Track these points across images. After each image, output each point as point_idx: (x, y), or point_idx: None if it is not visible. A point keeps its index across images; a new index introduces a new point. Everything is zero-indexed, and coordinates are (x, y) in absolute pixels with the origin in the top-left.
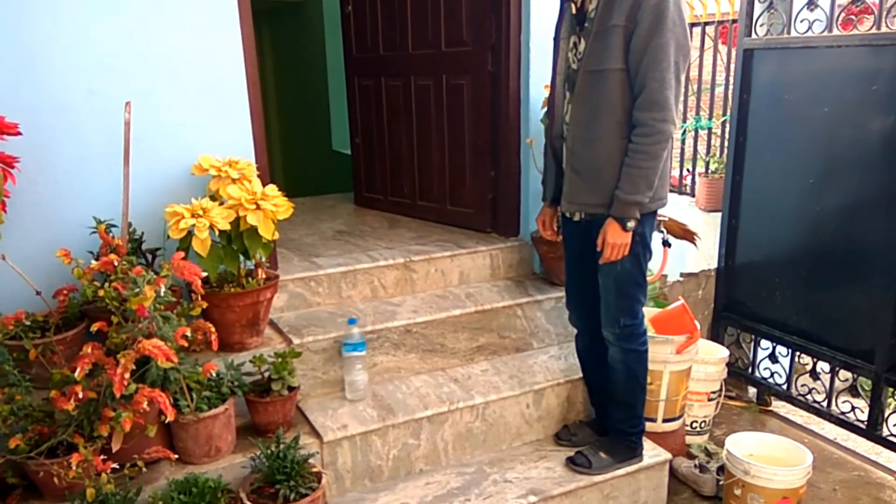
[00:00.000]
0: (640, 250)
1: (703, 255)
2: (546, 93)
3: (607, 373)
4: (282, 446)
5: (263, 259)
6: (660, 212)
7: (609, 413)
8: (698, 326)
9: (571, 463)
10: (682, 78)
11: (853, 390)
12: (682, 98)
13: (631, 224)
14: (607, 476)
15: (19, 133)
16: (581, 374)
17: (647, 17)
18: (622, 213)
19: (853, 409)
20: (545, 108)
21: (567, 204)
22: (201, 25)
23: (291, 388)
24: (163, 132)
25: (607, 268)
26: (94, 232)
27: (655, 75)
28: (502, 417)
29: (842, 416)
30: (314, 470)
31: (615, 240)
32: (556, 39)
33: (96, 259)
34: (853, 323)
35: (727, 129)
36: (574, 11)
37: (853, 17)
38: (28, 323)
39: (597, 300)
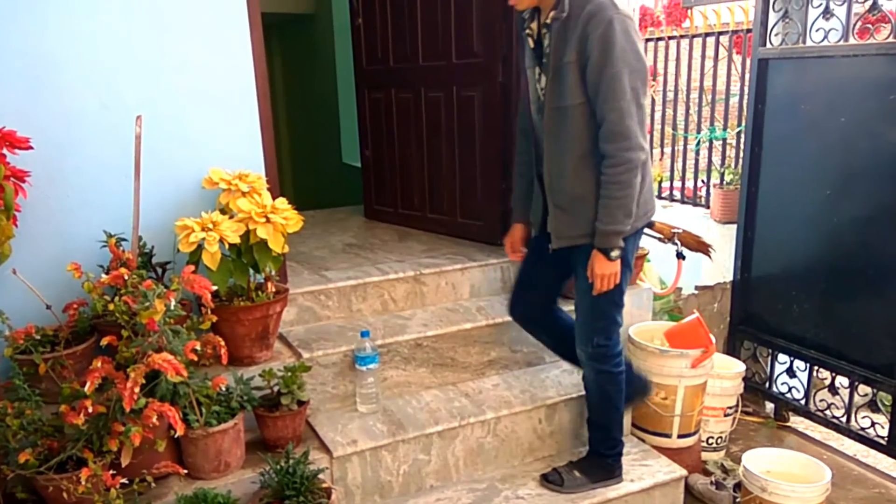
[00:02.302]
0: (622, 269)
1: (718, 267)
2: None
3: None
4: (291, 461)
5: (273, 272)
6: (674, 223)
7: (589, 435)
8: (714, 340)
9: (545, 480)
10: (644, 101)
11: (873, 405)
12: (646, 121)
13: (615, 253)
14: (596, 496)
15: (31, 147)
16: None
17: (595, 49)
18: (604, 244)
19: (873, 424)
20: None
21: (557, 240)
22: (212, 39)
23: (301, 403)
24: (173, 146)
25: (585, 284)
26: (104, 245)
27: (613, 106)
28: (514, 433)
29: (861, 432)
30: (324, 485)
31: (603, 271)
32: (523, 69)
33: (107, 273)
34: (872, 336)
35: (742, 140)
36: (532, 45)
37: (870, 25)
38: (38, 337)
39: (546, 300)
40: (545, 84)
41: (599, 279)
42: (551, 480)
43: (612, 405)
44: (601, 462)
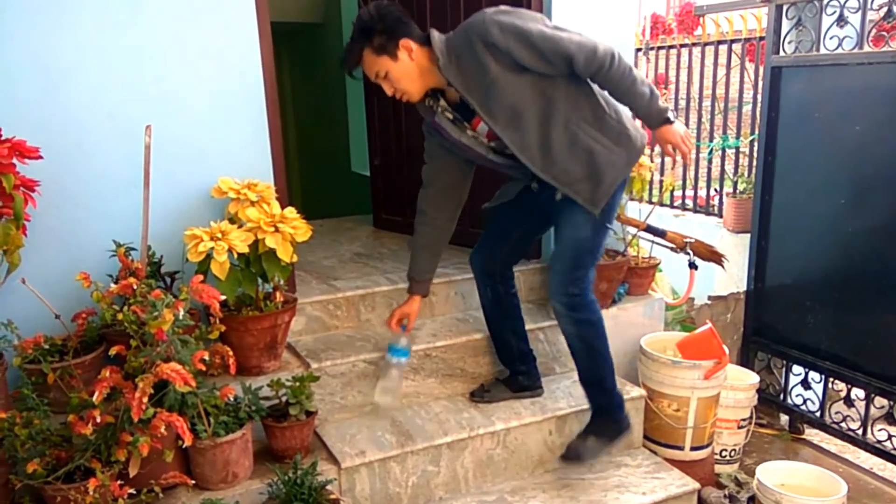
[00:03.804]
0: (606, 218)
1: (731, 277)
2: None
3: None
4: (299, 472)
5: (282, 282)
6: (686, 233)
7: (586, 393)
8: (727, 351)
9: (564, 459)
10: (551, 23)
11: (889, 418)
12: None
13: (671, 115)
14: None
15: (41, 157)
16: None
17: (508, 42)
18: (656, 119)
19: (890, 437)
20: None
21: (592, 206)
22: (221, 48)
23: (309, 413)
24: (182, 155)
25: (568, 232)
26: (113, 255)
27: (563, 46)
28: (524, 444)
29: (878, 445)
30: (332, 497)
31: (674, 136)
32: (461, 150)
33: (115, 282)
34: (889, 347)
35: (755, 149)
36: (451, 117)
37: (884, 33)
38: (47, 346)
39: (509, 255)
40: (487, 121)
41: (681, 143)
42: (571, 457)
43: (600, 355)
44: (607, 419)
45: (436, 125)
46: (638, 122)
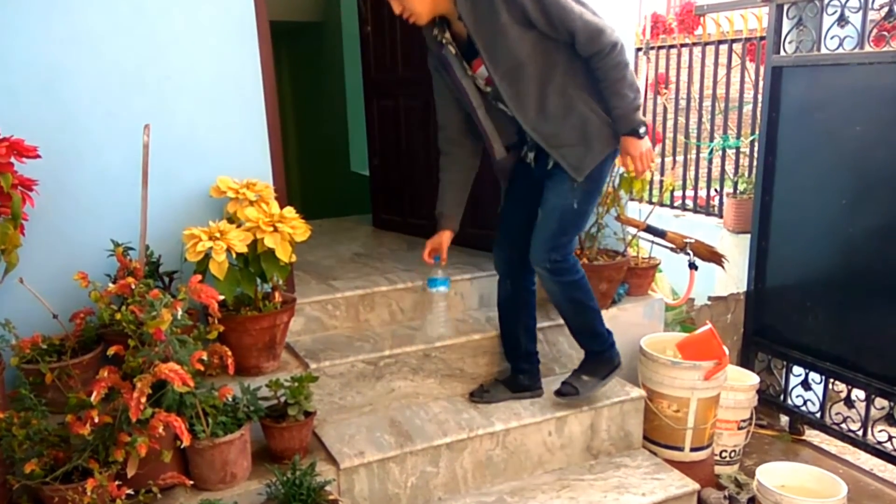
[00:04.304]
0: (593, 188)
1: (731, 278)
2: None
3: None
4: (298, 473)
5: (280, 282)
6: (686, 233)
7: (577, 341)
8: (727, 352)
9: (559, 395)
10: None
11: (890, 419)
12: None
13: (643, 130)
14: (597, 399)
15: (39, 156)
16: (602, 402)
17: None
18: (628, 125)
19: (890, 438)
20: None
21: (577, 173)
22: (220, 47)
23: (308, 414)
24: (181, 154)
25: (555, 200)
26: (111, 255)
27: (570, 17)
28: (523, 445)
29: (878, 446)
30: (330, 498)
31: (637, 151)
32: (458, 90)
33: (113, 282)
34: (889, 348)
35: (756, 149)
36: (455, 51)
37: (886, 33)
38: (44, 346)
39: (527, 244)
40: (487, 65)
41: (639, 160)
42: (566, 393)
43: (585, 306)
44: (600, 358)
45: (442, 58)
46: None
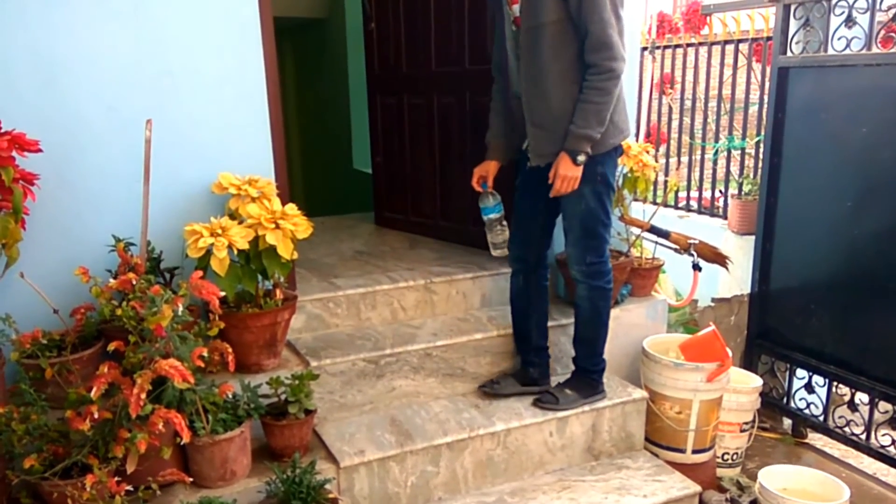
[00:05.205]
0: (603, 189)
1: (735, 279)
2: None
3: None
4: (298, 471)
5: (282, 279)
6: (690, 234)
7: (574, 351)
8: (730, 354)
9: (539, 403)
10: (622, 13)
11: (894, 423)
12: (625, 35)
13: (581, 158)
14: (575, 411)
15: (40, 150)
16: (603, 402)
17: None
18: (573, 146)
19: (893, 442)
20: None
21: (536, 157)
22: (224, 43)
23: (308, 412)
24: (183, 150)
25: (571, 208)
26: (112, 250)
27: (595, 18)
28: (524, 445)
29: (881, 450)
30: (330, 496)
31: (566, 172)
32: (500, 17)
33: (114, 277)
34: (893, 351)
35: (761, 150)
36: None
37: (893, 34)
38: (45, 341)
39: (540, 241)
40: (519, 5)
41: (561, 180)
42: (546, 401)
43: (601, 320)
44: (587, 379)
45: None
46: (629, 119)
